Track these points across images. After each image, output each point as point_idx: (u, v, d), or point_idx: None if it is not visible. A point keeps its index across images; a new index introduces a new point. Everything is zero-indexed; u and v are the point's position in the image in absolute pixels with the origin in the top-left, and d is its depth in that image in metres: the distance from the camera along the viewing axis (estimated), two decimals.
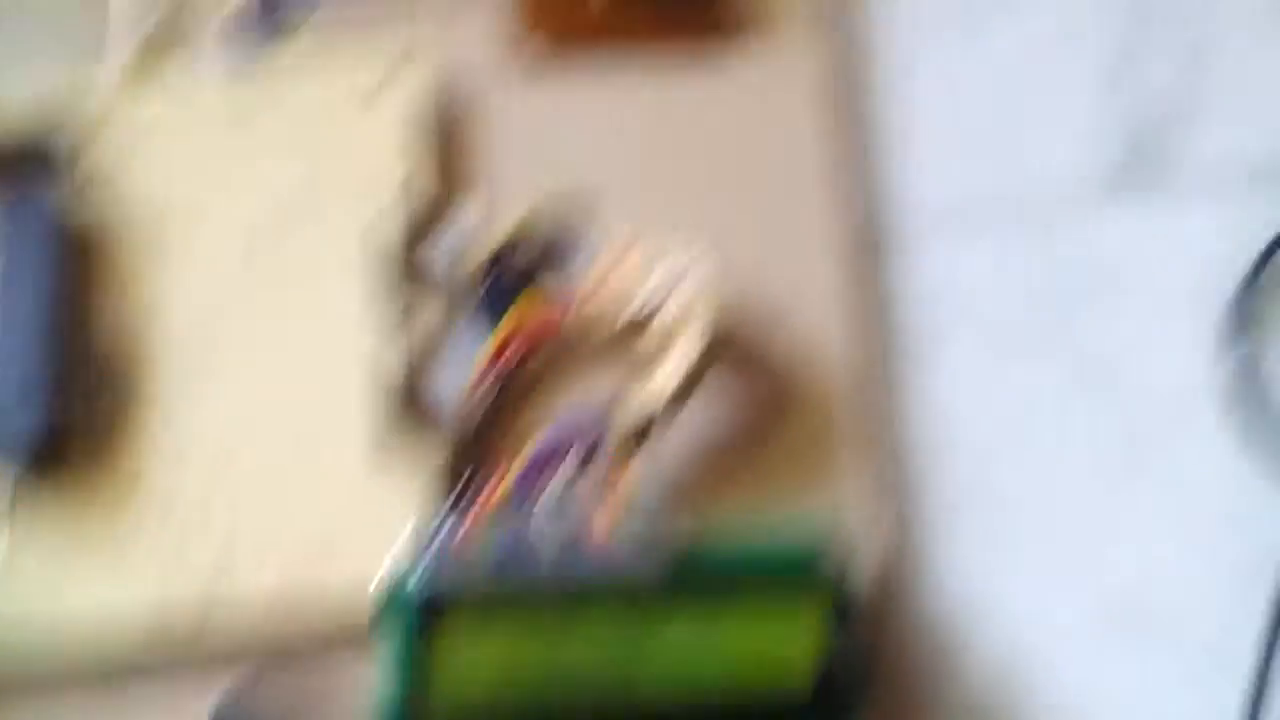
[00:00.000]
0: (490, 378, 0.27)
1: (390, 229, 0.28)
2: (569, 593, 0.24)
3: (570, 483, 0.25)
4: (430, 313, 0.28)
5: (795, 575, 0.24)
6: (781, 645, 0.24)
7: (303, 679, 0.26)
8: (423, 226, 0.28)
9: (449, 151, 0.29)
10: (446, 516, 0.25)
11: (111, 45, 0.30)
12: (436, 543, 0.25)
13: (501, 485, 0.25)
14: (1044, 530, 0.28)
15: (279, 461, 0.27)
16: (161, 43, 0.30)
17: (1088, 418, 0.29)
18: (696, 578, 0.25)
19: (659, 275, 0.26)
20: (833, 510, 0.27)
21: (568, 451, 0.25)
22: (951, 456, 0.28)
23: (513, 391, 0.27)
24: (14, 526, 0.26)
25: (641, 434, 0.26)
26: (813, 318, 0.28)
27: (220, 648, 0.26)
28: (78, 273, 0.28)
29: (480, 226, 0.28)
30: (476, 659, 0.24)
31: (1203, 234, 0.30)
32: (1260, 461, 0.28)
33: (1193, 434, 0.28)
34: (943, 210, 0.30)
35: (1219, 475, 0.28)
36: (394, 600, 0.24)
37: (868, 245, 0.30)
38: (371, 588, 0.24)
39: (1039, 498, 0.28)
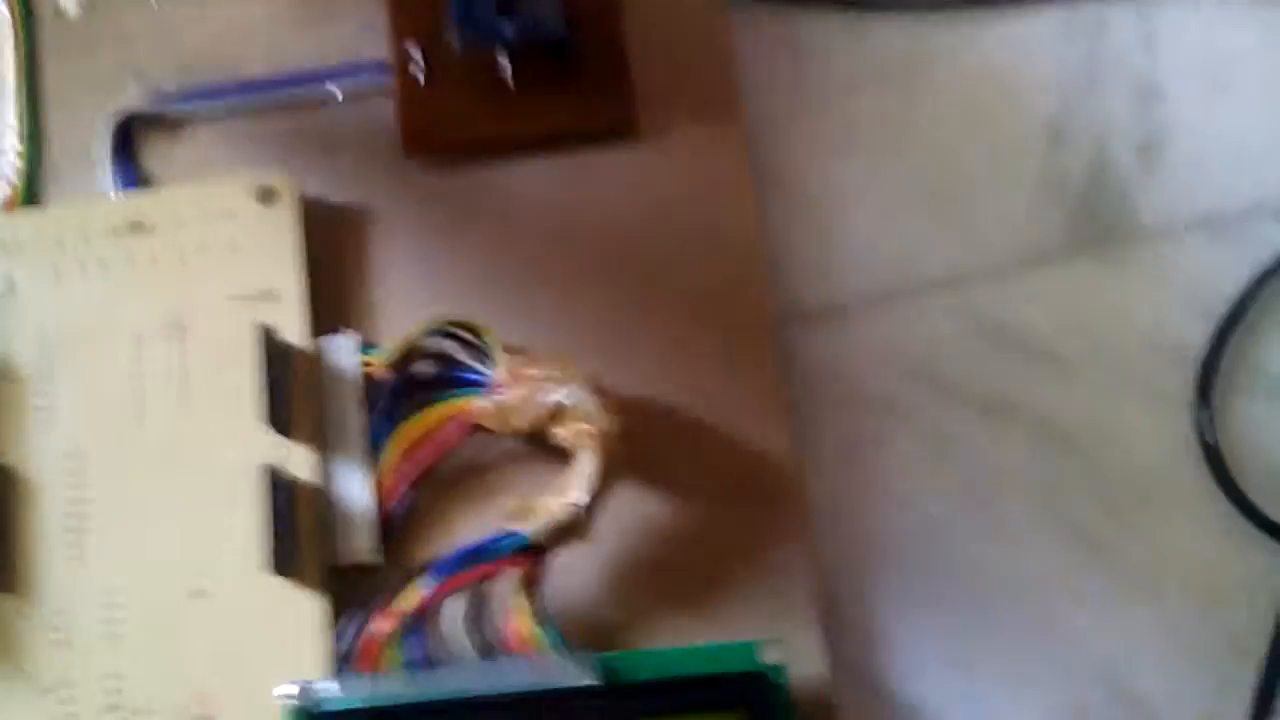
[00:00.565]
0: (400, 484, 0.26)
1: (283, 336, 0.27)
2: (483, 703, 0.23)
3: (482, 592, 0.24)
4: (328, 419, 0.26)
5: (727, 684, 0.23)
6: None
7: None
8: (316, 335, 0.27)
9: (342, 260, 0.28)
10: (352, 627, 0.24)
11: None
12: (338, 653, 0.24)
13: (411, 595, 0.24)
14: (1010, 617, 0.26)
15: (175, 589, 0.25)
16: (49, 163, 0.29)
17: (1054, 492, 0.27)
18: (625, 688, 0.23)
19: (561, 380, 0.25)
20: (768, 608, 0.25)
21: (480, 561, 0.24)
22: (906, 540, 0.27)
23: (421, 494, 0.26)
24: None
25: (553, 541, 0.25)
26: (745, 405, 0.27)
27: None
28: None
29: (377, 334, 0.27)
30: None
31: (1162, 292, 0.28)
32: (1234, 532, 0.27)
33: (1164, 504, 0.27)
34: (890, 279, 0.29)
35: (1193, 546, 0.27)
36: (293, 717, 0.23)
37: (802, 318, 0.28)
38: (278, 706, 0.23)
39: (1004, 580, 0.27)
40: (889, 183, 0.29)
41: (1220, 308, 0.28)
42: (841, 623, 0.26)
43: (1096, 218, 0.29)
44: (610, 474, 0.25)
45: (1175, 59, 0.30)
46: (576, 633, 0.25)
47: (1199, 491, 0.27)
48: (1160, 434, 0.27)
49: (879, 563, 0.27)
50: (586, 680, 0.23)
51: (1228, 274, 0.28)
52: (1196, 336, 0.28)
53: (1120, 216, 0.29)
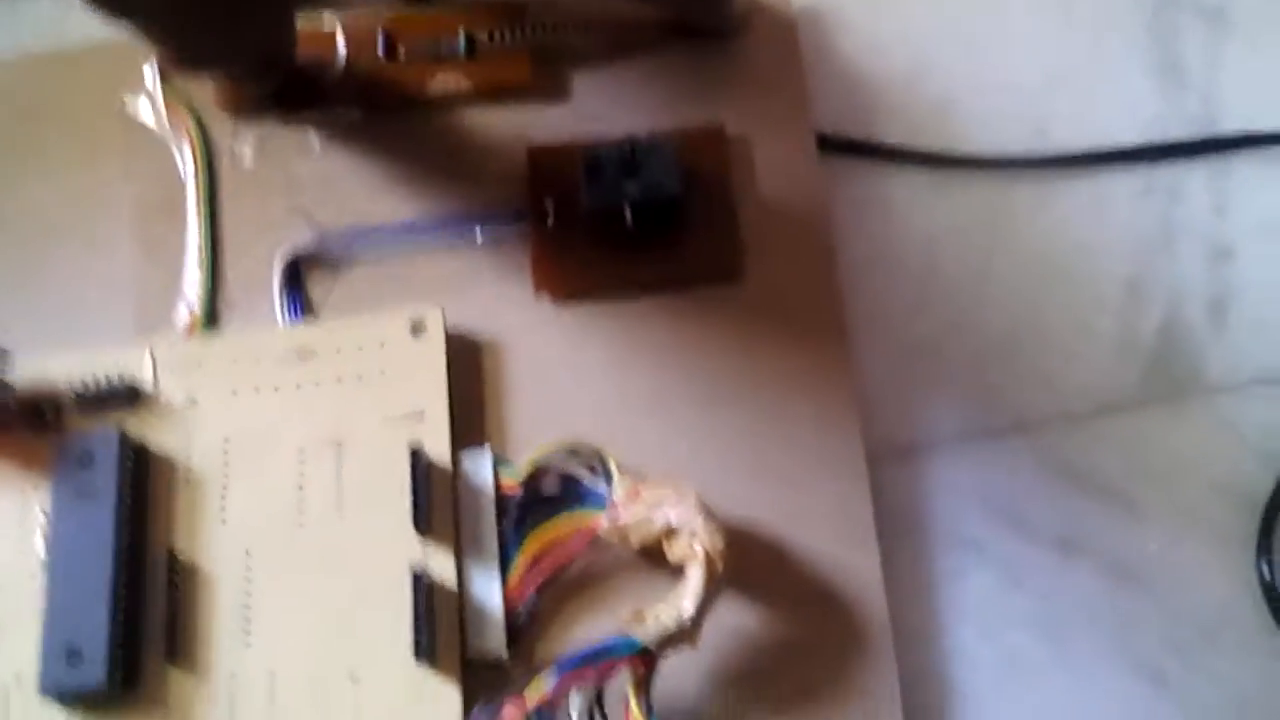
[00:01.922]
0: (527, 588, 0.29)
1: (428, 452, 0.30)
2: None
3: (600, 690, 0.27)
4: (465, 528, 0.30)
5: None
6: None
7: None
8: (456, 450, 0.30)
9: (480, 384, 0.32)
10: (485, 716, 0.27)
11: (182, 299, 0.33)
12: None
13: (537, 687, 0.27)
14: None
15: (329, 666, 0.28)
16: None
17: (1123, 627, 0.29)
18: None
19: (673, 502, 0.28)
20: (855, 716, 0.27)
21: (599, 660, 0.27)
22: (981, 669, 0.29)
23: (546, 598, 0.29)
24: None
25: (663, 646, 0.27)
26: (836, 529, 0.29)
27: None
28: (146, 493, 0.30)
29: (509, 452, 0.31)
30: None
31: (1228, 442, 0.31)
32: None
33: (1227, 642, 0.29)
34: (973, 420, 0.31)
35: (1255, 683, 0.28)
36: None
37: (890, 455, 0.31)
38: None
39: (1073, 704, 0.28)
40: (971, 333, 0.32)
41: None
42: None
43: (1167, 370, 0.31)
44: (715, 588, 0.27)
45: (1245, 220, 0.33)
46: None
47: (1260, 630, 0.29)
48: (1224, 574, 0.29)
49: (956, 688, 0.29)
50: None
51: None
52: (1260, 484, 0.30)
53: (1190, 370, 0.31)
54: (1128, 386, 0.31)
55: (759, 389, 0.31)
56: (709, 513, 0.28)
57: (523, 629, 0.29)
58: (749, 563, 0.29)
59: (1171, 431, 0.31)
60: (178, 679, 0.29)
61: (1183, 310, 0.32)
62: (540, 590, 0.29)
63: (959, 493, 0.31)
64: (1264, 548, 0.29)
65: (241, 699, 0.29)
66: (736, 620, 0.29)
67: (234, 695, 0.29)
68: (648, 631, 0.27)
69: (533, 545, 0.29)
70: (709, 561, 0.27)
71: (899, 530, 0.30)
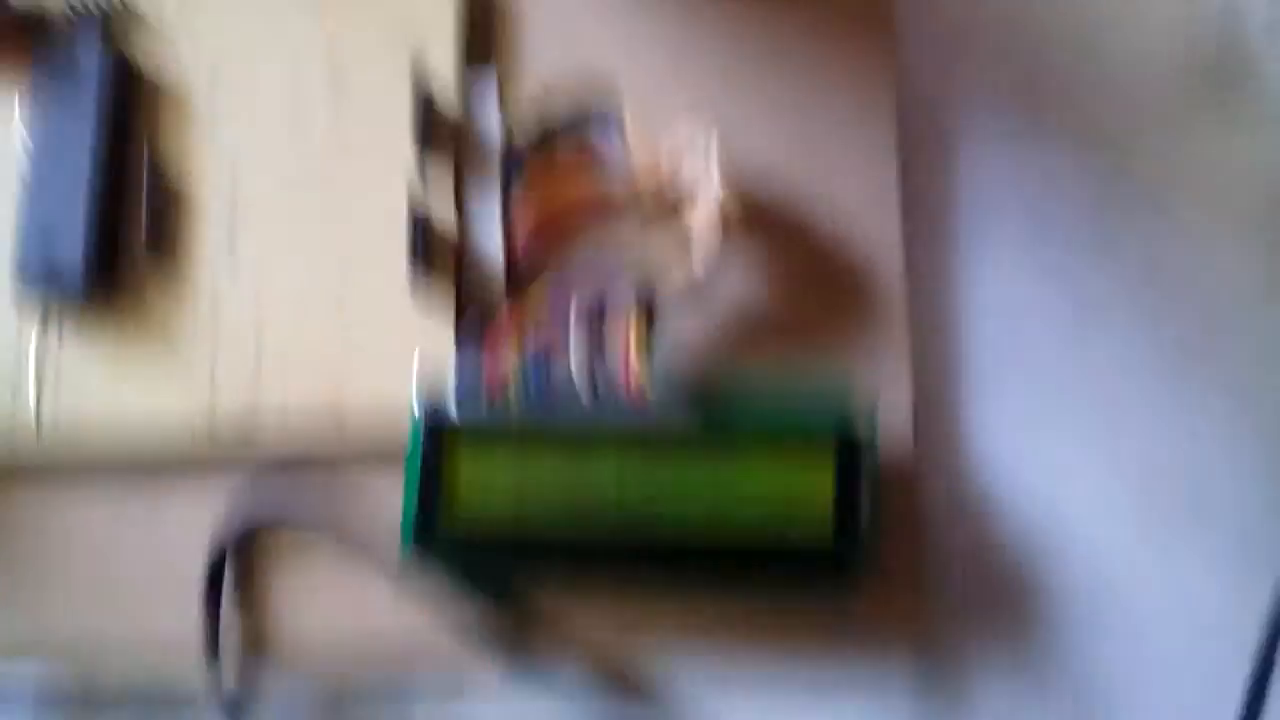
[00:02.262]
0: (530, 228, 0.28)
1: (431, 85, 0.28)
2: (594, 427, 0.25)
3: (602, 327, 0.26)
4: (469, 169, 0.28)
5: (818, 424, 0.25)
6: (801, 490, 0.24)
7: (334, 489, 0.27)
8: (461, 84, 0.29)
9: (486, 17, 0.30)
10: (476, 345, 0.26)
11: None
12: (466, 369, 0.26)
13: (535, 331, 0.26)
14: (1085, 403, 0.28)
15: (317, 287, 0.28)
16: None
17: (1148, 302, 0.28)
18: (722, 422, 0.25)
19: (688, 160, 0.27)
20: (864, 371, 0.27)
21: (604, 310, 0.26)
22: (989, 323, 0.28)
23: (547, 245, 0.28)
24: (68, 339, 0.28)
25: (670, 296, 0.26)
26: (859, 190, 0.28)
27: (257, 453, 0.27)
28: (130, 104, 0.29)
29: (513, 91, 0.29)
30: (495, 481, 0.25)
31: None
32: None
33: (1252, 327, 0.28)
34: (1004, 118, 0.30)
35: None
36: (419, 419, 0.25)
37: (920, 116, 0.30)
38: (402, 406, 0.25)
39: (1089, 373, 0.28)
40: (1022, 30, 0.30)
41: None
42: (933, 397, 0.28)
43: (1221, 80, 0.30)
44: (728, 241, 0.26)
45: None
46: (685, 383, 0.26)
47: None
48: (1256, 274, 0.28)
49: (973, 346, 0.28)
50: (689, 417, 0.25)
51: None
52: None
53: (1244, 79, 0.30)
54: (1179, 94, 0.30)
55: (796, 49, 0.29)
56: (725, 169, 0.26)
57: (523, 276, 0.28)
58: (765, 216, 0.28)
59: (1210, 134, 0.29)
60: (160, 291, 0.28)
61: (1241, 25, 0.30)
62: (542, 235, 0.28)
63: (989, 162, 0.29)
64: None
65: (226, 317, 0.28)
66: (745, 276, 0.28)
67: (218, 314, 0.28)
68: (652, 279, 0.26)
69: (537, 191, 0.28)
70: (720, 212, 0.26)
71: (923, 191, 0.29)
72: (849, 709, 0.26)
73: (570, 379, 0.26)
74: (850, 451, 0.25)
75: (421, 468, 0.25)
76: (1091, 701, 0.26)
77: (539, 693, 0.26)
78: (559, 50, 0.29)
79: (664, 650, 0.27)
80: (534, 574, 0.26)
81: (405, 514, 0.25)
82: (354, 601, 0.27)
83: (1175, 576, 0.27)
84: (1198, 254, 0.29)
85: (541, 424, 0.25)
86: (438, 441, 0.25)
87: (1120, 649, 0.26)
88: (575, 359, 0.26)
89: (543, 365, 0.26)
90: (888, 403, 0.26)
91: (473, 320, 0.27)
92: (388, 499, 0.26)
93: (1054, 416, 0.28)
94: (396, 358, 0.27)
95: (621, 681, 0.27)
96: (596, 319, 0.26)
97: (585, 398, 0.26)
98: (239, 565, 0.27)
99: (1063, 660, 0.26)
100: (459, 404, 0.25)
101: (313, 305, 0.28)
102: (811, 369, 0.27)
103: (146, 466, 0.28)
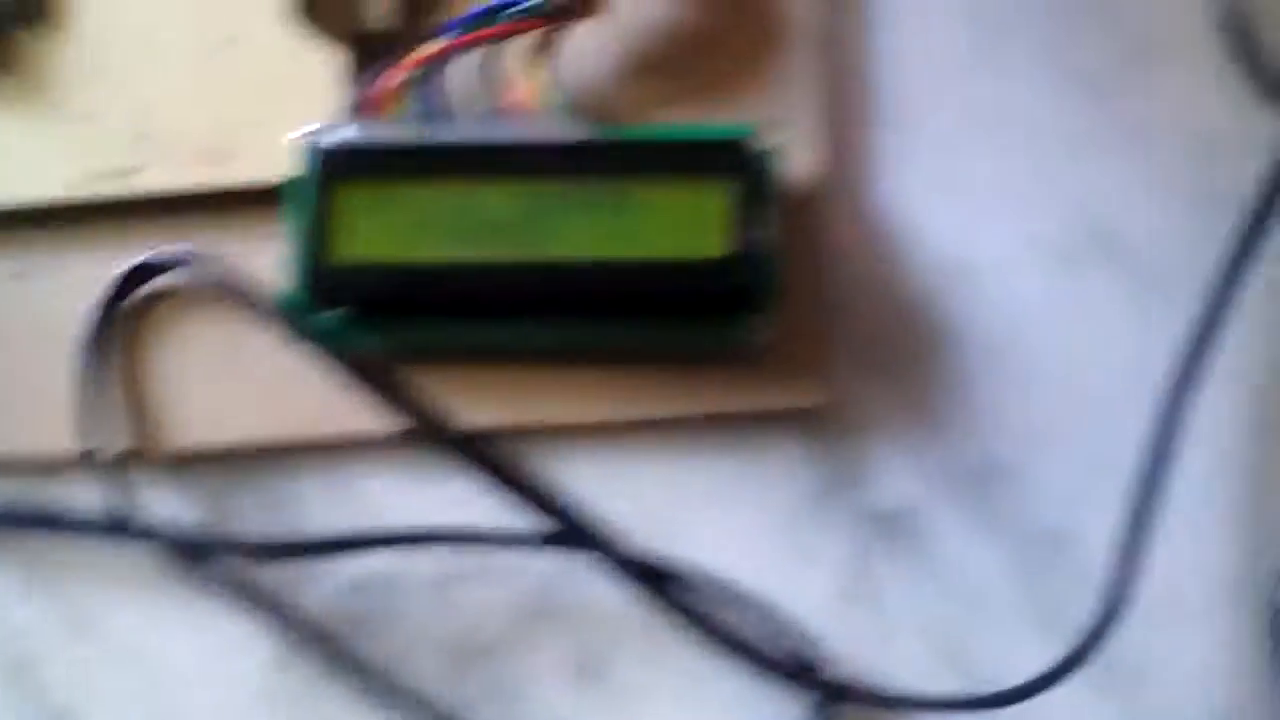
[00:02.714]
0: None
1: None
2: (483, 150, 0.24)
3: (493, 48, 0.25)
4: None
5: (718, 147, 0.24)
6: (699, 213, 0.23)
7: (223, 239, 0.26)
8: None
9: None
10: (368, 76, 0.25)
11: None
12: (352, 100, 0.25)
13: (426, 48, 0.25)
14: (999, 145, 0.27)
15: (206, 32, 0.26)
16: None
17: (1063, 26, 0.27)
18: (616, 146, 0.24)
19: None
20: (773, 99, 0.26)
21: (497, 20, 0.25)
22: (911, 65, 0.27)
23: None
24: None
25: (571, 7, 0.25)
26: None
27: (144, 205, 0.26)
28: None
29: None
30: (383, 209, 0.24)
31: None
32: (1241, 91, 0.26)
33: (1175, 57, 0.27)
34: None
35: (1194, 99, 0.26)
36: (305, 154, 0.24)
37: None
38: (288, 146, 0.25)
39: (998, 110, 0.27)
40: None
41: None
42: (842, 133, 0.26)
43: None
44: None
45: None
46: (584, 108, 0.26)
47: (1213, 52, 0.27)
48: None
49: (884, 83, 0.27)
50: (587, 138, 0.24)
51: None
52: None
53: None
54: None
55: None
56: None
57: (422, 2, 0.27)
58: None
59: None
60: (33, 35, 0.27)
61: None
62: None
63: None
64: None
65: (109, 61, 0.27)
66: (655, 4, 0.27)
67: (101, 56, 0.27)
68: None
69: None
70: None
71: None
72: (745, 456, 0.25)
73: (462, 96, 0.25)
74: (749, 175, 0.24)
75: (305, 202, 0.24)
76: (992, 446, 0.25)
77: (428, 458, 0.25)
78: None
79: (550, 415, 0.26)
80: (422, 322, 0.25)
81: (293, 256, 0.24)
82: (241, 362, 0.26)
83: (1086, 317, 0.26)
84: None
85: (429, 146, 0.24)
86: (320, 172, 0.24)
87: (1024, 391, 0.25)
88: (466, 74, 0.25)
89: (434, 83, 0.25)
90: (794, 133, 0.25)
91: (368, 49, 0.26)
92: (273, 243, 0.25)
93: (966, 146, 0.27)
94: (289, 91, 0.26)
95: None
96: (491, 31, 0.25)
97: (478, 115, 0.24)
98: (118, 331, 0.26)
99: (967, 407, 0.25)
100: (347, 130, 0.24)
101: (200, 41, 0.26)
102: (717, 112, 0.26)
103: (21, 219, 0.26)
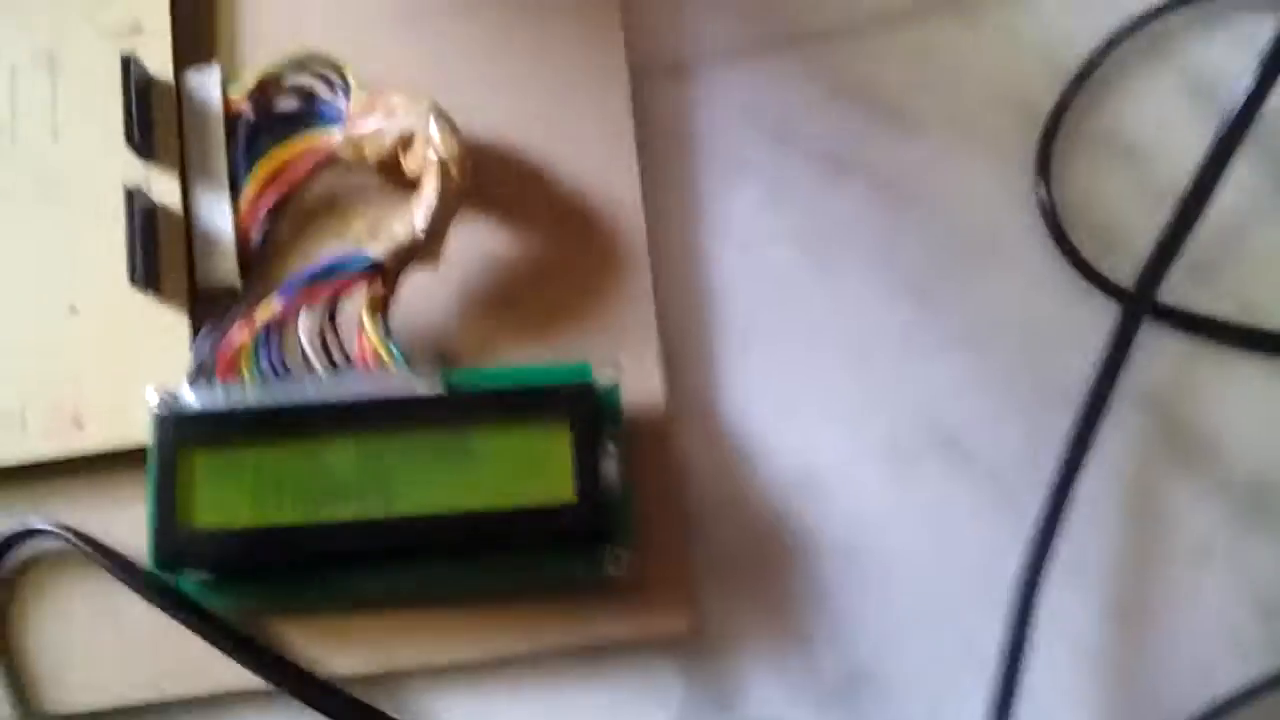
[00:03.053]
0: (259, 212, 0.27)
1: (152, 70, 0.27)
2: (324, 409, 0.24)
3: (334, 311, 0.25)
4: (191, 150, 0.27)
5: (558, 388, 0.24)
6: (542, 454, 0.24)
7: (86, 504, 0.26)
8: (181, 67, 0.28)
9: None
10: (210, 340, 0.25)
11: None
12: (198, 363, 0.25)
13: (266, 308, 0.25)
14: (836, 354, 0.27)
15: (44, 288, 0.26)
16: None
17: (890, 245, 0.28)
18: (462, 392, 0.25)
19: (406, 111, 0.26)
20: (609, 331, 0.26)
21: (331, 278, 0.25)
22: (745, 283, 0.28)
23: (279, 223, 0.27)
24: None
25: (398, 262, 0.25)
26: (595, 148, 0.28)
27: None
28: None
29: (240, 69, 0.28)
30: (233, 475, 0.24)
31: (1014, 52, 0.29)
32: (1064, 286, 0.27)
33: (999, 259, 0.28)
34: (736, 38, 0.29)
35: (1022, 294, 0.27)
36: (152, 423, 0.24)
37: (652, 74, 0.29)
38: (140, 404, 0.25)
39: (832, 320, 0.27)
40: None
41: (1072, 68, 0.29)
42: (681, 360, 0.27)
43: None
44: (455, 199, 0.25)
45: None
46: (424, 355, 0.26)
47: (1033, 247, 0.28)
48: (1002, 191, 0.28)
49: (718, 306, 0.28)
50: (427, 390, 0.25)
51: (1081, 35, 0.29)
52: (1044, 99, 0.29)
53: None
54: None
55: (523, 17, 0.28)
56: (445, 118, 0.26)
57: (256, 256, 0.27)
58: (501, 181, 0.27)
59: (954, 42, 0.29)
60: None
61: None
62: (274, 213, 0.27)
63: (726, 110, 0.29)
64: (1043, 166, 0.28)
65: None
66: (485, 242, 0.27)
67: None
68: (380, 246, 0.25)
69: (265, 167, 0.27)
70: (443, 169, 0.25)
71: (662, 149, 0.28)
72: (618, 685, 0.26)
73: (304, 355, 0.25)
74: (587, 413, 0.24)
75: (159, 472, 0.24)
76: (855, 654, 0.26)
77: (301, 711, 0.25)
78: (285, 33, 0.28)
79: (421, 659, 0.26)
80: (282, 580, 0.25)
81: (149, 524, 0.24)
82: (114, 625, 0.26)
83: (933, 518, 0.26)
84: (943, 172, 0.28)
85: (275, 408, 0.25)
86: (171, 440, 0.24)
87: (881, 597, 0.26)
88: (306, 333, 0.25)
89: (276, 343, 0.25)
90: (635, 363, 0.26)
91: (207, 306, 0.26)
92: (134, 506, 0.25)
93: (804, 359, 0.27)
94: (134, 356, 0.26)
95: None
96: (327, 289, 0.25)
97: (320, 373, 0.25)
98: None
99: (827, 616, 0.26)
100: (194, 395, 0.25)
101: (44, 313, 0.27)
102: (554, 350, 0.27)
103: None
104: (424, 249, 0.25)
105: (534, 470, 0.24)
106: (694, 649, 0.26)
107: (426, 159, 0.25)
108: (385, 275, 0.25)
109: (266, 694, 0.25)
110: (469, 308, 0.27)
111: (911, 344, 0.27)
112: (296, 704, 0.25)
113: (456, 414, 0.24)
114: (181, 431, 0.24)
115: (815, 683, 0.25)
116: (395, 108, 0.26)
